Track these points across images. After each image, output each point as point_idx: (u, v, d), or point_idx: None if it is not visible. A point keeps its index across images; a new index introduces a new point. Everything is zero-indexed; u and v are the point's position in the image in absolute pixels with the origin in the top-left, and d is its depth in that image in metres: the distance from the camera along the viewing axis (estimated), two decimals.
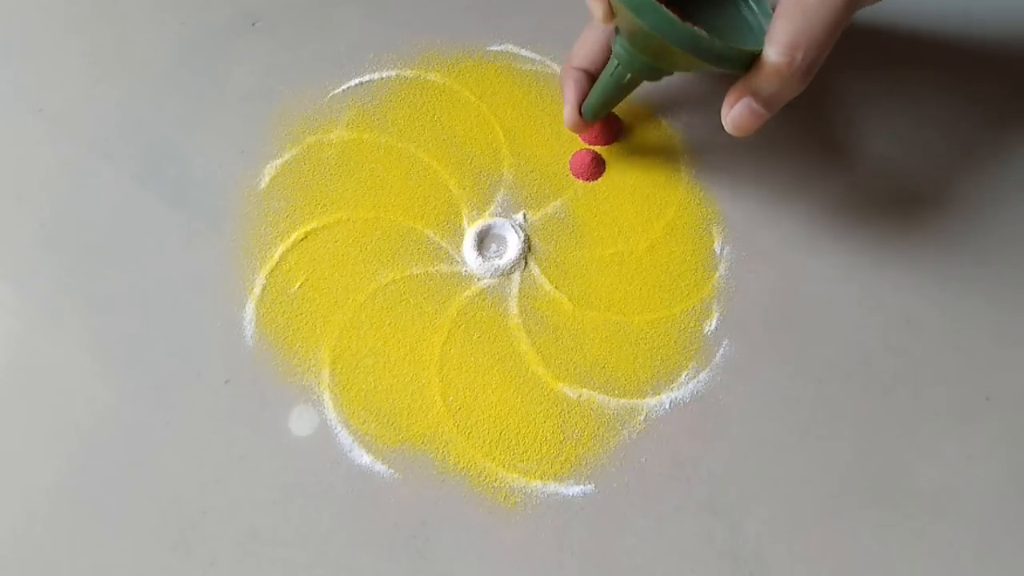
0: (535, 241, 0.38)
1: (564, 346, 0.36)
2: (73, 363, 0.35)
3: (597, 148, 0.40)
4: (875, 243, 0.38)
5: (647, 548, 0.32)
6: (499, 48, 0.43)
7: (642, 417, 0.34)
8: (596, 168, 0.39)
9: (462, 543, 0.32)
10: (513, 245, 0.38)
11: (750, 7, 0.33)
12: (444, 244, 0.38)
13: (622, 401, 0.34)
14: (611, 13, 0.31)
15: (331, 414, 0.34)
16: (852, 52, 0.38)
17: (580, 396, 0.35)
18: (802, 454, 0.33)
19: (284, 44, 0.43)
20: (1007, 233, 0.38)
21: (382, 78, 0.42)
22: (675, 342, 0.36)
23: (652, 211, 0.39)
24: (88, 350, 0.35)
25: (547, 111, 0.41)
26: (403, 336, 0.36)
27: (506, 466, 0.33)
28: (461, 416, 0.34)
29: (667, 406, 0.34)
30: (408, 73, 0.42)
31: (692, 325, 0.36)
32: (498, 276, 0.37)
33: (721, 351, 0.35)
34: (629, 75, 0.34)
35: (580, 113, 0.37)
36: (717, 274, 0.37)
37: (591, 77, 0.37)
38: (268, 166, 0.40)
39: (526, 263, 0.37)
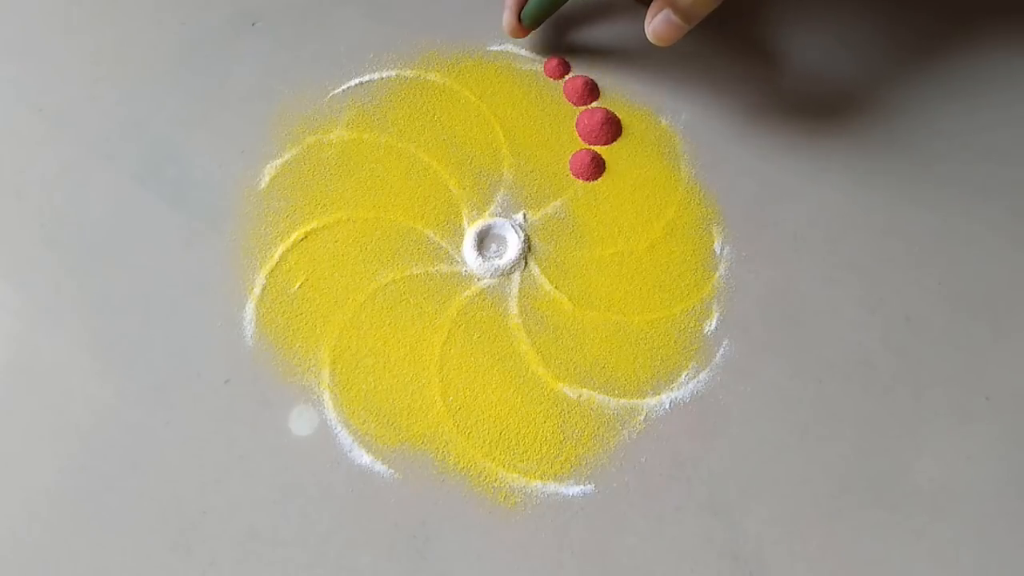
0: (535, 241, 0.38)
1: (564, 346, 0.36)
2: (73, 363, 0.35)
3: (597, 148, 0.40)
4: (875, 243, 0.38)
5: (647, 548, 0.32)
6: (499, 48, 0.43)
7: (642, 417, 0.34)
8: (596, 168, 0.39)
9: (462, 543, 0.32)
10: (513, 245, 0.38)
11: None
12: (444, 244, 0.38)
13: (622, 401, 0.34)
14: None
15: (331, 414, 0.34)
16: None
17: (580, 396, 0.35)
18: (802, 454, 0.33)
19: (284, 44, 0.43)
20: (1005, 229, 0.38)
21: (382, 78, 0.42)
22: (675, 342, 0.36)
23: (652, 211, 0.39)
24: (88, 350, 0.35)
25: (547, 111, 0.41)
26: (403, 336, 0.36)
27: (506, 466, 0.33)
28: (461, 416, 0.34)
29: (667, 406, 0.34)
30: (408, 73, 0.42)
31: (692, 325, 0.36)
32: (498, 276, 0.37)
33: (721, 351, 0.35)
34: None
35: (519, 19, 0.38)
36: (717, 274, 0.37)
37: None
38: (268, 166, 0.40)
39: (526, 263, 0.37)
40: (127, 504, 0.32)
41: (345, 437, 0.34)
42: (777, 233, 0.38)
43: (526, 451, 0.33)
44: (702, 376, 0.35)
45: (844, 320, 0.36)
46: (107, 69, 0.43)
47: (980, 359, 0.35)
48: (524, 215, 0.39)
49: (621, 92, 0.42)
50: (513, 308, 0.36)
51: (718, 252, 0.38)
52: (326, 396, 0.34)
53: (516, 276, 0.37)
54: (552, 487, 0.33)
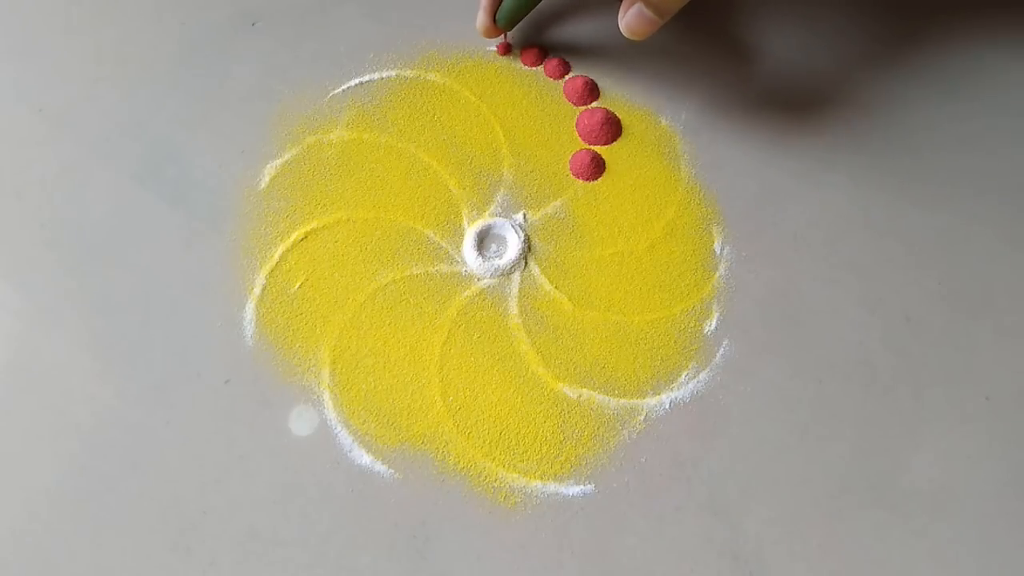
0: (535, 241, 0.38)
1: (564, 346, 0.36)
2: (73, 363, 0.35)
3: (597, 148, 0.40)
4: (875, 243, 0.38)
5: (647, 548, 0.32)
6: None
7: (642, 417, 0.34)
8: (596, 168, 0.39)
9: (462, 543, 0.32)
10: (513, 245, 0.38)
11: None
12: (444, 244, 0.38)
13: (622, 401, 0.34)
14: None
15: (331, 414, 0.34)
16: None
17: (580, 396, 0.35)
18: (802, 454, 0.33)
19: (284, 44, 0.43)
20: (1006, 229, 0.38)
21: (382, 78, 0.42)
22: (675, 342, 0.36)
23: (652, 211, 0.39)
24: (88, 350, 0.35)
25: (547, 111, 0.41)
26: (403, 336, 0.36)
27: (506, 466, 0.33)
28: (461, 416, 0.34)
29: (667, 406, 0.34)
30: (408, 73, 0.42)
31: (692, 325, 0.36)
32: (498, 276, 0.37)
33: (721, 351, 0.35)
34: None
35: (494, 20, 0.38)
36: (717, 274, 0.37)
37: None
38: (268, 166, 0.40)
39: (526, 263, 0.37)
40: (127, 504, 0.32)
41: (345, 437, 0.34)
42: (777, 233, 0.38)
43: (526, 451, 0.33)
44: (702, 376, 0.35)
45: (844, 320, 0.36)
46: (107, 69, 0.43)
47: (980, 359, 0.35)
48: (524, 215, 0.39)
49: (621, 92, 0.42)
50: (513, 308, 0.36)
51: (718, 252, 0.38)
52: (326, 396, 0.34)
53: (516, 276, 0.37)
54: (552, 487, 0.33)
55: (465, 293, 0.37)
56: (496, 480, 0.33)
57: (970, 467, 0.33)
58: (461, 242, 0.38)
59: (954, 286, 0.37)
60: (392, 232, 0.38)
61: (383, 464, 0.33)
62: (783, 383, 0.35)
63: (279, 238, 0.38)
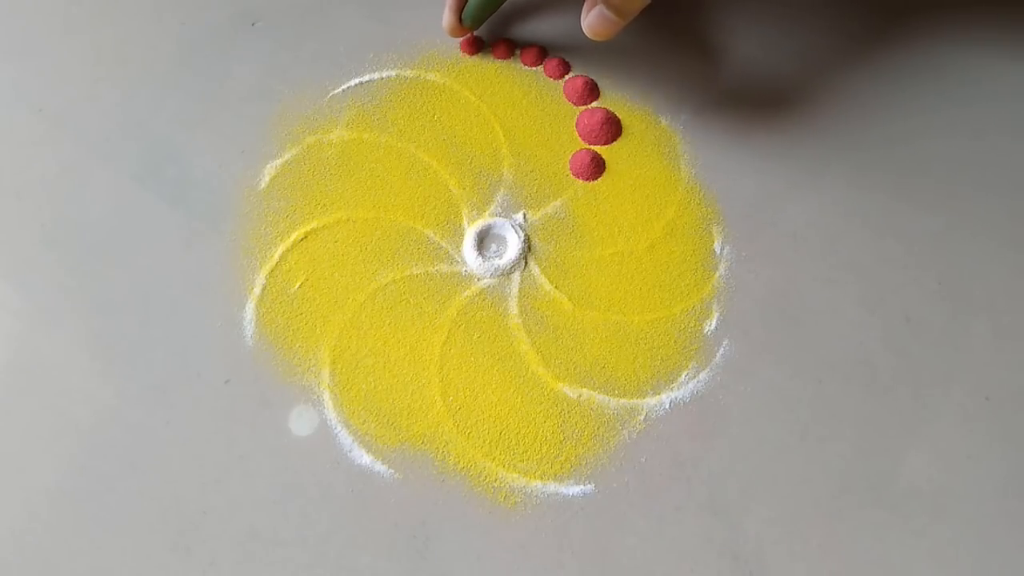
0: (535, 241, 0.38)
1: (564, 346, 0.36)
2: (73, 363, 0.35)
3: (597, 148, 0.40)
4: (875, 243, 0.38)
5: (647, 548, 0.32)
6: None
7: (642, 417, 0.34)
8: (596, 168, 0.39)
9: (462, 543, 0.32)
10: (513, 245, 0.38)
11: None
12: (444, 244, 0.38)
13: (622, 401, 0.34)
14: None
15: (331, 414, 0.34)
16: None
17: (580, 396, 0.35)
18: (802, 454, 0.33)
19: (284, 44, 0.43)
20: (1006, 229, 0.38)
21: (382, 78, 0.42)
22: (675, 342, 0.36)
23: (652, 211, 0.39)
24: (88, 350, 0.35)
25: (547, 111, 0.41)
26: (403, 336, 0.36)
27: (506, 466, 0.33)
28: (461, 416, 0.34)
29: (667, 406, 0.34)
30: (408, 73, 0.42)
31: (692, 325, 0.36)
32: (498, 276, 0.37)
33: (721, 351, 0.35)
34: None
35: (460, 19, 0.38)
36: (717, 274, 0.37)
37: None
38: (268, 166, 0.40)
39: (526, 263, 0.37)
40: (127, 504, 0.32)
41: (345, 437, 0.34)
42: (777, 233, 0.38)
43: (526, 451, 0.33)
44: (702, 376, 0.35)
45: (844, 320, 0.36)
46: (107, 69, 0.43)
47: (980, 359, 0.35)
48: (524, 215, 0.39)
49: (621, 92, 0.42)
50: (513, 308, 0.36)
51: (718, 252, 0.38)
52: (326, 396, 0.34)
53: (516, 276, 0.37)
54: (552, 487, 0.33)
55: (465, 293, 0.37)
56: (496, 480, 0.33)
57: (970, 467, 0.33)
58: (461, 242, 0.38)
59: (954, 286, 0.37)
60: (392, 232, 0.38)
61: (383, 464, 0.33)
62: (783, 383, 0.35)
63: (279, 238, 0.38)
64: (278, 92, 0.42)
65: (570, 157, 0.40)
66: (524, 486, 0.33)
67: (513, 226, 0.38)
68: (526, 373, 0.35)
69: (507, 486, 0.33)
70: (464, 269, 0.37)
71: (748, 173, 0.39)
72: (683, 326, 0.36)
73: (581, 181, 0.39)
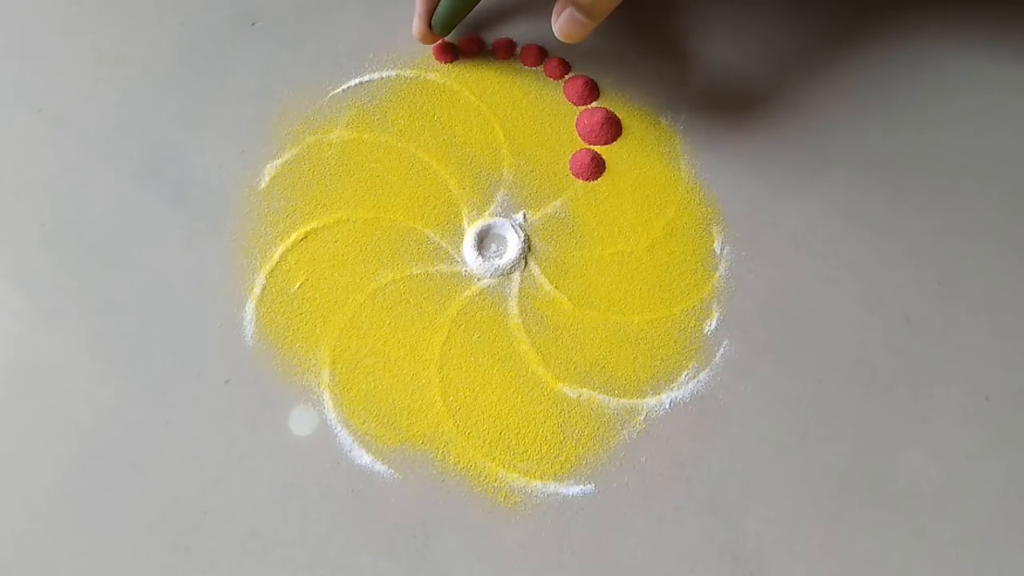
0: (535, 241, 0.38)
1: (564, 346, 0.36)
2: (73, 363, 0.35)
3: (597, 148, 0.40)
4: (875, 243, 0.38)
5: (647, 548, 0.32)
6: None
7: (642, 417, 0.34)
8: (596, 168, 0.39)
9: (462, 543, 0.32)
10: (513, 245, 0.38)
11: None
12: (444, 244, 0.38)
13: (622, 401, 0.34)
14: None
15: (331, 414, 0.34)
16: None
17: (580, 396, 0.35)
18: (802, 454, 0.33)
19: (284, 44, 0.43)
20: (1006, 229, 0.38)
21: (382, 78, 0.42)
22: (675, 342, 0.36)
23: (652, 211, 0.39)
24: (88, 350, 0.35)
25: (547, 111, 0.41)
26: (403, 336, 0.36)
27: (506, 466, 0.33)
28: (461, 416, 0.34)
29: (667, 406, 0.34)
30: (408, 73, 0.42)
31: (692, 325, 0.36)
32: (498, 276, 0.37)
33: (721, 351, 0.35)
34: None
35: (430, 25, 0.38)
36: (717, 274, 0.37)
37: None
38: (268, 166, 0.40)
39: (526, 263, 0.37)
40: (127, 504, 0.32)
41: (345, 437, 0.34)
42: (777, 233, 0.38)
43: (526, 451, 0.33)
44: (702, 376, 0.35)
45: (844, 320, 0.36)
46: (107, 69, 0.43)
47: (980, 359, 0.35)
48: (524, 215, 0.39)
49: (621, 92, 0.42)
50: (513, 308, 0.36)
51: (718, 252, 0.38)
52: (326, 396, 0.34)
53: (516, 276, 0.37)
54: (552, 487, 0.33)
55: (465, 293, 0.37)
56: (496, 480, 0.33)
57: (970, 467, 0.33)
58: (461, 242, 0.38)
59: (954, 286, 0.37)
60: (392, 232, 0.38)
61: (383, 464, 0.33)
62: (783, 383, 0.35)
63: (279, 238, 0.38)
64: (278, 92, 0.42)
65: (570, 157, 0.40)
66: (524, 486, 0.33)
67: (513, 226, 0.38)
68: (526, 373, 0.35)
69: (507, 486, 0.33)
70: (464, 269, 0.37)
71: (748, 173, 0.39)
72: (683, 326, 0.36)
73: (581, 181, 0.39)
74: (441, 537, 0.32)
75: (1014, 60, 0.42)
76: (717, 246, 0.38)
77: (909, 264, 0.37)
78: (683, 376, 0.35)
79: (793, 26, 0.44)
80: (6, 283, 0.37)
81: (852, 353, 0.35)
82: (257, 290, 0.37)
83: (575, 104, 0.41)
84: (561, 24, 0.33)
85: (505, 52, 0.43)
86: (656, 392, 0.35)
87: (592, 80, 0.42)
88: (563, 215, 0.39)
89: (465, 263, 0.37)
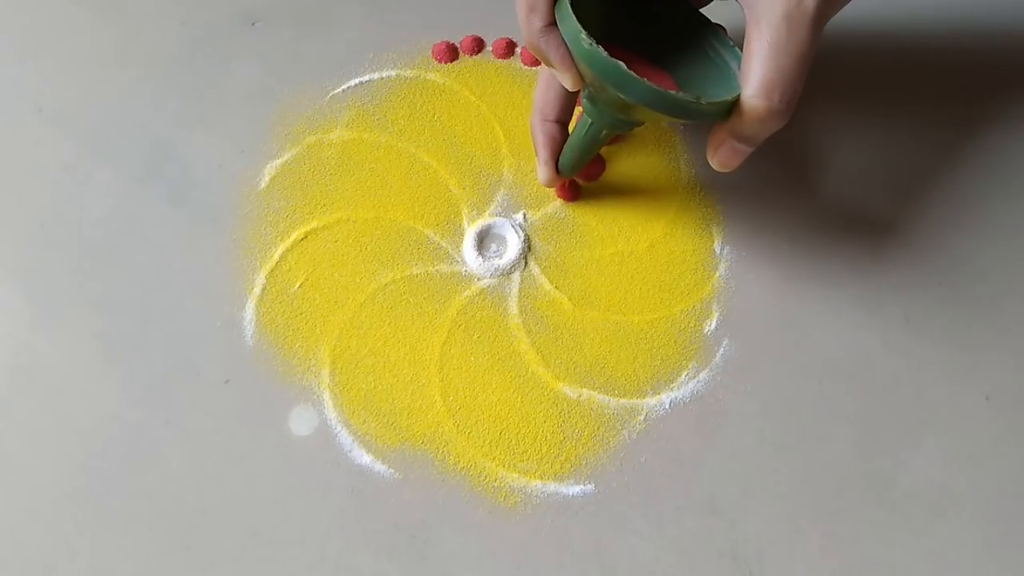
0: (535, 241, 0.38)
1: (564, 346, 0.36)
2: (73, 363, 0.35)
3: None
4: (875, 242, 0.38)
5: (647, 548, 0.32)
6: None
7: (642, 417, 0.34)
8: (596, 168, 0.39)
9: (462, 543, 0.32)
10: (513, 245, 0.38)
11: (713, 45, 0.33)
12: (444, 244, 0.38)
13: (622, 401, 0.34)
14: (580, 78, 0.30)
15: (331, 414, 0.34)
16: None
17: (580, 396, 0.35)
18: (802, 454, 0.33)
19: (284, 44, 0.43)
20: (1005, 229, 0.38)
21: (382, 78, 0.42)
22: (675, 342, 0.36)
23: (652, 211, 0.39)
24: (88, 350, 0.35)
25: None
26: (403, 336, 0.36)
27: (506, 466, 0.33)
28: (461, 416, 0.34)
29: (667, 406, 0.34)
30: (408, 73, 0.42)
31: (692, 325, 0.36)
32: (498, 276, 0.37)
33: (721, 351, 0.35)
34: (605, 131, 0.33)
35: (557, 170, 0.36)
36: (717, 274, 0.37)
37: (563, 127, 0.36)
38: (268, 166, 0.40)
39: (526, 263, 0.37)
40: (127, 504, 0.32)
41: (345, 437, 0.34)
42: (777, 233, 0.38)
43: (526, 451, 0.33)
44: (702, 376, 0.35)
45: (844, 320, 0.36)
46: (107, 69, 0.43)
47: (980, 359, 0.35)
48: (524, 215, 0.39)
49: None
50: (513, 308, 0.36)
51: (718, 252, 0.38)
52: (326, 396, 0.34)
53: (516, 276, 0.37)
54: (552, 487, 0.33)
55: (465, 293, 0.37)
56: (496, 480, 0.33)
57: (970, 467, 0.33)
58: (461, 242, 0.38)
59: (954, 286, 0.37)
60: (392, 232, 0.38)
61: (383, 464, 0.33)
62: (783, 383, 0.35)
63: (279, 238, 0.38)
64: (278, 92, 0.42)
65: None
66: (524, 486, 0.33)
67: (513, 226, 0.38)
68: (526, 373, 0.35)
69: (507, 486, 0.33)
70: (464, 269, 0.37)
71: (748, 173, 0.39)
72: (683, 326, 0.36)
73: (581, 181, 0.39)
74: (441, 537, 0.32)
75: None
76: (717, 246, 0.38)
77: (909, 264, 0.37)
78: (683, 376, 0.35)
79: None
80: (6, 283, 0.37)
81: (852, 353, 0.35)
82: (257, 290, 0.37)
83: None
84: (722, 156, 0.31)
85: (505, 52, 0.43)
86: (656, 392, 0.35)
87: None
88: (563, 215, 0.39)
89: (465, 263, 0.37)
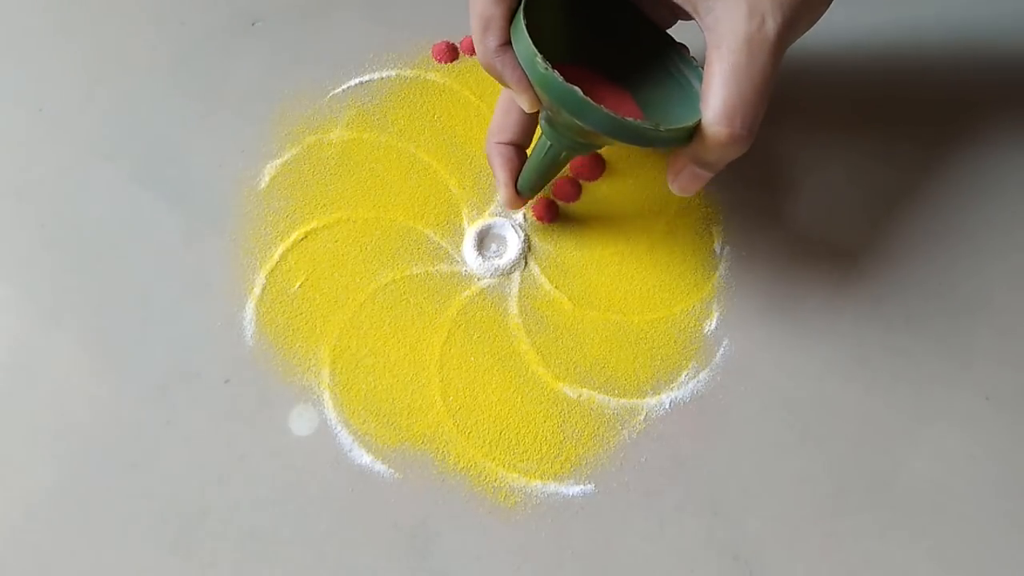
0: (535, 241, 0.38)
1: (564, 346, 0.36)
2: (73, 363, 0.35)
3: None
4: (875, 242, 0.38)
5: (647, 548, 0.32)
6: None
7: (642, 417, 0.34)
8: (596, 168, 0.39)
9: (462, 543, 0.32)
10: (513, 245, 0.38)
11: (677, 64, 0.32)
12: (444, 244, 0.38)
13: (622, 401, 0.34)
14: (537, 100, 0.30)
15: (331, 414, 0.34)
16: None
17: (580, 396, 0.35)
18: (802, 454, 0.33)
19: (284, 44, 0.43)
20: (1005, 230, 0.38)
21: (382, 78, 0.42)
22: (675, 342, 0.36)
23: (652, 211, 0.39)
24: (88, 350, 0.35)
25: None
26: (403, 336, 0.36)
27: (506, 466, 0.33)
28: (461, 416, 0.34)
29: (667, 406, 0.34)
30: (408, 73, 0.42)
31: (692, 325, 0.36)
32: (498, 276, 0.37)
33: (721, 351, 0.35)
34: (564, 153, 0.33)
35: (517, 191, 0.35)
36: (717, 274, 0.37)
37: (520, 150, 0.35)
38: (268, 166, 0.40)
39: (526, 263, 0.37)
40: (127, 504, 0.32)
41: (345, 437, 0.34)
42: (777, 233, 0.38)
43: (526, 451, 0.33)
44: (702, 376, 0.35)
45: (844, 320, 0.36)
46: (107, 69, 0.43)
47: (980, 359, 0.35)
48: (524, 215, 0.39)
49: None
50: (513, 308, 0.36)
51: (718, 252, 0.38)
52: (326, 396, 0.34)
53: (516, 276, 0.37)
54: (552, 487, 0.33)
55: (465, 293, 0.37)
56: (496, 480, 0.33)
57: (970, 467, 0.33)
58: (461, 242, 0.38)
59: (954, 286, 0.37)
60: (392, 232, 0.38)
61: (383, 464, 0.33)
62: (783, 383, 0.35)
63: (279, 238, 0.38)
64: (278, 92, 0.42)
65: None
66: (524, 486, 0.33)
67: (513, 226, 0.38)
68: (526, 373, 0.35)
69: (507, 486, 0.33)
70: (464, 269, 0.37)
71: (748, 173, 0.39)
72: (683, 326, 0.36)
73: (581, 181, 0.39)
74: (441, 537, 0.32)
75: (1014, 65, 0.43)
76: (717, 246, 0.38)
77: (909, 264, 0.37)
78: (683, 376, 0.35)
79: None
80: (6, 283, 0.37)
81: (852, 353, 0.35)
82: (257, 290, 0.37)
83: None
84: (682, 182, 0.30)
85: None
86: (656, 392, 0.35)
87: None
88: (563, 215, 0.39)
89: (465, 263, 0.37)
